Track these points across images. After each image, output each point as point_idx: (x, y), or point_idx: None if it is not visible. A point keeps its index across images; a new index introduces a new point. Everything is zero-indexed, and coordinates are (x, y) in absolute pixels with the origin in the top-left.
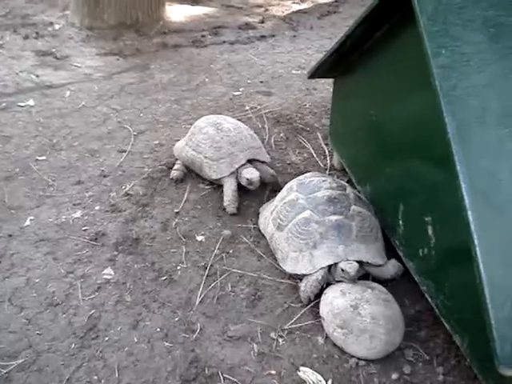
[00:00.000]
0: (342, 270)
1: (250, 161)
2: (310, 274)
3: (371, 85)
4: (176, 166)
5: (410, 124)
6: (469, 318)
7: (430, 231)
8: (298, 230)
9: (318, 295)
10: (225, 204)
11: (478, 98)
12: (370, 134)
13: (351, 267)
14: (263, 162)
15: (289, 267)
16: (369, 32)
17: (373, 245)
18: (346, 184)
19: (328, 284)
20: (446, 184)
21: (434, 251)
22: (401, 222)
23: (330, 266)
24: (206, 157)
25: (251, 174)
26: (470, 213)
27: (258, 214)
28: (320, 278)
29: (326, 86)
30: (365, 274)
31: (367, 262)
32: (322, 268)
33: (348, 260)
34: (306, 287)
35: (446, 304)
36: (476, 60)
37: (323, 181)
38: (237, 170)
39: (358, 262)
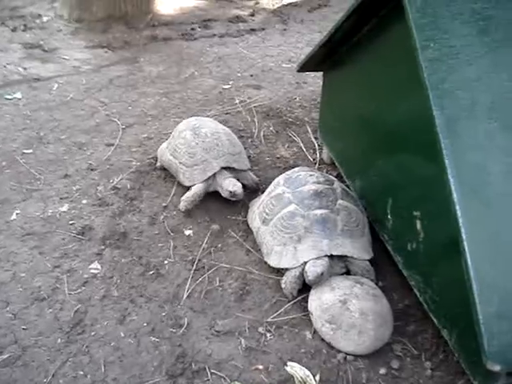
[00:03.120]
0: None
1: (227, 168)
2: (289, 270)
3: (360, 78)
4: (158, 164)
5: (399, 118)
6: (457, 313)
7: (418, 226)
8: (282, 224)
9: (308, 289)
10: (182, 198)
11: (467, 92)
12: (359, 128)
13: (311, 272)
14: (243, 170)
15: (273, 261)
16: (358, 25)
17: (359, 239)
18: (334, 178)
19: None
20: (434, 178)
21: (422, 246)
22: (389, 216)
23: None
24: (180, 162)
25: (233, 185)
26: (458, 207)
27: (248, 208)
28: (298, 273)
29: (316, 79)
30: None
31: (352, 257)
32: (305, 262)
33: (318, 258)
34: (286, 284)
35: (434, 299)
36: (465, 53)
37: (310, 175)
38: (211, 177)
39: (343, 256)
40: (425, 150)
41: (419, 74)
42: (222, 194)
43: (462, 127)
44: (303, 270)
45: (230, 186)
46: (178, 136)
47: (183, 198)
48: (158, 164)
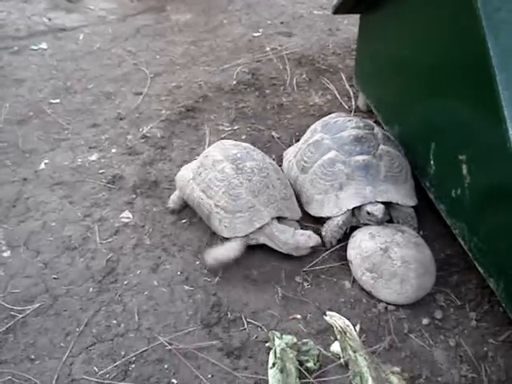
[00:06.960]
0: (368, 213)
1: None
2: (331, 219)
3: (401, 18)
4: (173, 197)
5: (446, 57)
6: (505, 261)
7: (464, 170)
8: (323, 172)
9: (345, 238)
10: (211, 255)
11: None
12: (399, 72)
13: (378, 210)
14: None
15: (313, 210)
16: None
17: (402, 185)
18: (374, 123)
19: (355, 227)
20: (485, 118)
21: (468, 191)
22: (432, 162)
23: (353, 210)
24: (217, 205)
25: (308, 237)
26: None
27: (282, 157)
28: (340, 222)
29: (349, 26)
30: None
31: (397, 203)
32: (348, 210)
33: (375, 202)
34: (327, 232)
35: (481, 247)
36: None
37: (349, 120)
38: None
39: (386, 203)
40: (475, 88)
41: (472, 4)
42: (294, 253)
43: None
44: (346, 217)
45: (310, 242)
46: (212, 167)
47: (214, 255)
48: (174, 197)
